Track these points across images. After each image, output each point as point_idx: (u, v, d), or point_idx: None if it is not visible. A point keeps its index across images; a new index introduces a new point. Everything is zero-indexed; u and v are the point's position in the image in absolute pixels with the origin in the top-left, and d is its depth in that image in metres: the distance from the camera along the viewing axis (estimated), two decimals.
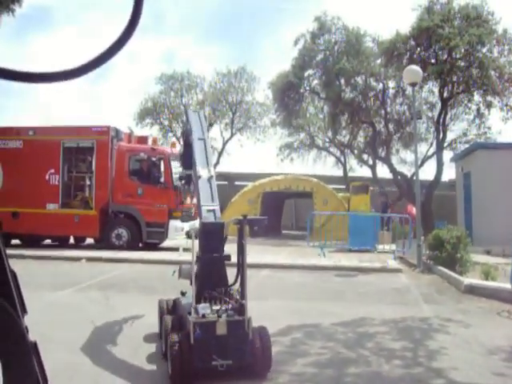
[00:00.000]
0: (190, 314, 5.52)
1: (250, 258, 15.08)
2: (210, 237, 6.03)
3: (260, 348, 5.41)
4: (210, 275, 5.87)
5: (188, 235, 18.09)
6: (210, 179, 6.66)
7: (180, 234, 16.89)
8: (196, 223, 18.56)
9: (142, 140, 19.17)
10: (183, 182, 8.17)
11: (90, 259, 14.56)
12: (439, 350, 6.69)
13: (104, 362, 5.95)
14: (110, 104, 66.87)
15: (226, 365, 5.27)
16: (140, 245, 17.48)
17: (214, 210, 6.30)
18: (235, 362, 5.35)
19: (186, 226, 17.39)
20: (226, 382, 5.37)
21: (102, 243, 17.60)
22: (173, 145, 21.12)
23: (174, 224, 17.23)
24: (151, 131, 38.31)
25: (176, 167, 17.83)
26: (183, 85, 40.79)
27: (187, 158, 8.02)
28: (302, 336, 7.09)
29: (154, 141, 19.25)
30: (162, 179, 17.64)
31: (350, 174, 36.19)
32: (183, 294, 6.79)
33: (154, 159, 17.61)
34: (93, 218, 17.37)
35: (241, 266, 5.87)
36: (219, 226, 6.11)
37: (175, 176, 17.45)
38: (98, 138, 17.62)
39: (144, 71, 74.19)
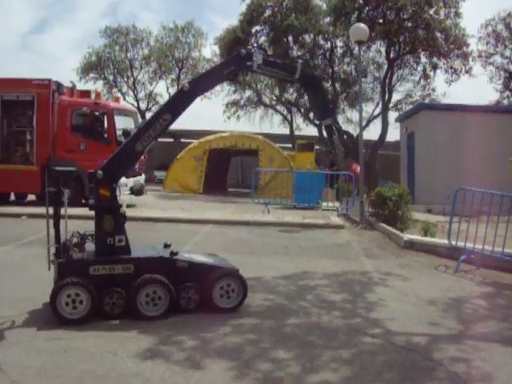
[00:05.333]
0: None
1: (193, 214, 15.14)
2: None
3: None
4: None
5: (132, 191, 17.81)
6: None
7: (124, 190, 16.64)
8: (140, 179, 18.42)
9: (85, 94, 18.62)
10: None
11: (31, 215, 14.19)
12: (377, 302, 6.82)
13: (45, 315, 5.84)
14: (52, 57, 64.94)
15: None
16: (83, 201, 17.13)
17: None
18: None
19: (131, 181, 17.15)
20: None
21: (44, 199, 17.13)
22: (117, 99, 20.65)
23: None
24: (95, 86, 37.46)
25: (119, 122, 17.49)
26: (129, 39, 39.87)
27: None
28: None
29: (98, 95, 18.76)
30: (106, 134, 17.24)
31: (297, 133, 36.30)
32: (166, 245, 6.60)
33: (96, 114, 17.16)
34: (34, 174, 16.83)
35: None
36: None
37: (119, 131, 17.11)
38: (39, 92, 17.01)
39: (88, 24, 72.31)
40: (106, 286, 5.77)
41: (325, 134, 8.58)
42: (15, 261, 8.94)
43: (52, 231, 5.96)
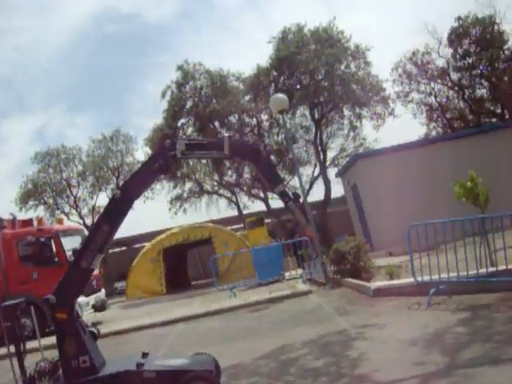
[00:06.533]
0: None
1: (161, 317, 14.79)
2: None
3: None
4: None
5: (95, 308, 17.36)
6: None
7: (87, 309, 16.26)
8: (101, 294, 18.01)
9: (27, 223, 18.31)
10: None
11: None
12: (360, 357, 6.70)
13: None
14: None
15: None
16: (47, 330, 16.55)
17: None
18: None
19: (91, 299, 16.76)
20: None
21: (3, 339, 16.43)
22: (60, 221, 20.38)
23: (78, 300, 16.46)
24: (37, 213, 37.11)
25: (67, 243, 17.21)
26: (60, 159, 39.91)
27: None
28: (226, 379, 6.88)
29: (40, 221, 18.48)
30: (56, 258, 16.90)
31: (245, 212, 36.35)
32: (144, 354, 6.23)
33: (42, 240, 16.84)
34: None
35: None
36: None
37: (68, 252, 16.81)
38: None
39: (18, 153, 72.25)
40: None
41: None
42: None
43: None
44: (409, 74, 34.69)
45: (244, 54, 68.70)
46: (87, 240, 6.28)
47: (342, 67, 26.98)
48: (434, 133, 36.82)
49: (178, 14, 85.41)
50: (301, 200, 7.92)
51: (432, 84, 35.48)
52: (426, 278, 9.42)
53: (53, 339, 6.33)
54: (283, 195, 6.86)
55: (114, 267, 32.45)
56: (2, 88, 74.64)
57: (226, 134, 28.24)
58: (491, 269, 8.92)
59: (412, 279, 9.82)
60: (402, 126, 58.45)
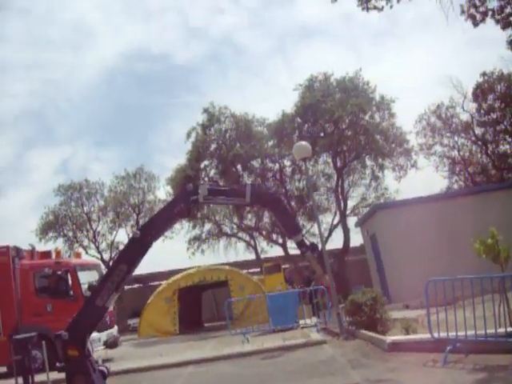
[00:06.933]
0: None
1: (173, 358, 14.66)
2: None
3: None
4: None
5: (106, 344, 17.27)
6: None
7: (99, 346, 16.19)
8: (113, 331, 17.92)
9: (46, 255, 18.47)
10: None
11: None
12: None
13: None
14: (9, 222, 64.63)
15: None
16: (57, 364, 16.44)
17: None
18: None
19: (104, 335, 16.70)
20: None
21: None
22: (78, 255, 20.50)
23: (91, 336, 16.41)
24: (56, 245, 37.39)
25: (84, 277, 17.25)
26: (82, 193, 40.40)
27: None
28: None
29: (58, 254, 18.63)
30: (71, 292, 16.93)
31: (263, 256, 36.23)
32: None
33: (59, 273, 16.91)
34: (2, 345, 16.17)
35: None
36: None
37: (84, 286, 16.83)
38: None
39: (42, 185, 73.19)
40: None
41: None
42: None
43: None
44: (432, 126, 34.83)
45: (269, 99, 69.62)
46: (104, 278, 6.31)
47: (367, 117, 27.16)
48: (455, 186, 36.69)
49: (206, 56, 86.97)
50: (319, 248, 7.93)
51: (455, 138, 35.57)
52: (443, 334, 9.24)
53: (62, 374, 6.33)
54: (301, 245, 7.07)
55: (128, 304, 32.38)
56: (30, 119, 76.19)
57: (248, 181, 28.40)
58: (510, 329, 8.75)
59: (428, 335, 9.66)
60: (425, 178, 58.45)
